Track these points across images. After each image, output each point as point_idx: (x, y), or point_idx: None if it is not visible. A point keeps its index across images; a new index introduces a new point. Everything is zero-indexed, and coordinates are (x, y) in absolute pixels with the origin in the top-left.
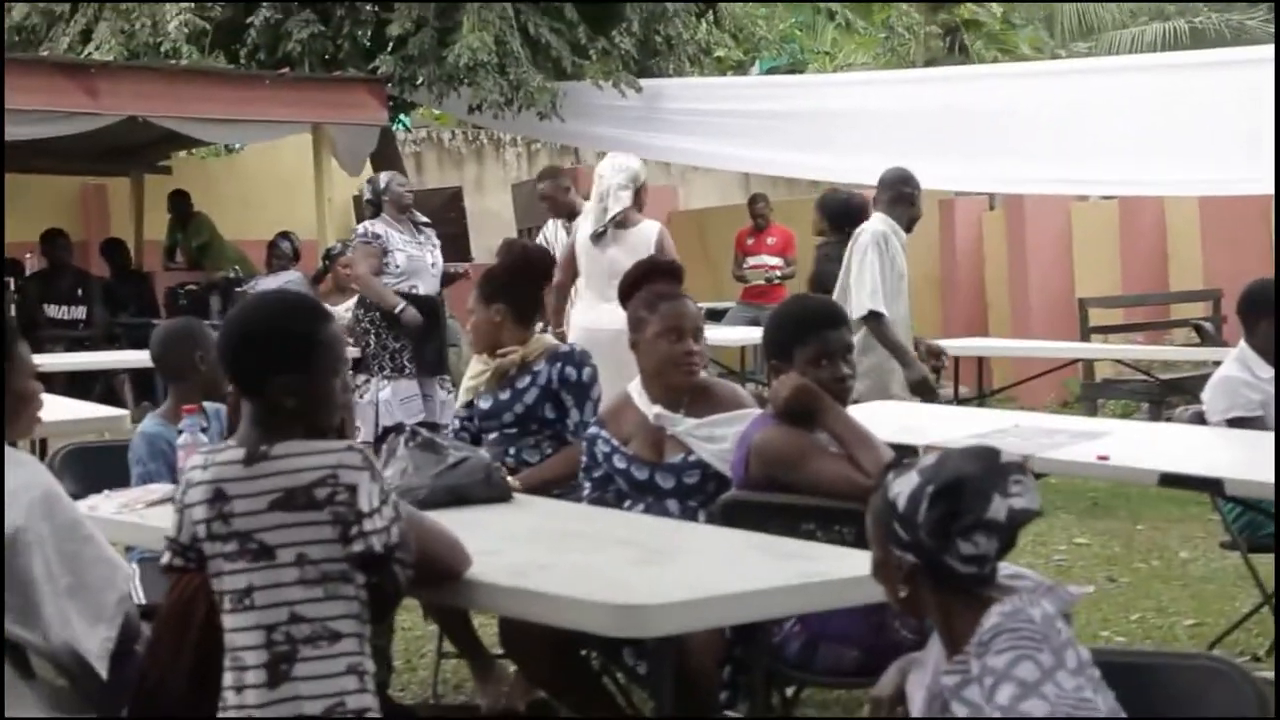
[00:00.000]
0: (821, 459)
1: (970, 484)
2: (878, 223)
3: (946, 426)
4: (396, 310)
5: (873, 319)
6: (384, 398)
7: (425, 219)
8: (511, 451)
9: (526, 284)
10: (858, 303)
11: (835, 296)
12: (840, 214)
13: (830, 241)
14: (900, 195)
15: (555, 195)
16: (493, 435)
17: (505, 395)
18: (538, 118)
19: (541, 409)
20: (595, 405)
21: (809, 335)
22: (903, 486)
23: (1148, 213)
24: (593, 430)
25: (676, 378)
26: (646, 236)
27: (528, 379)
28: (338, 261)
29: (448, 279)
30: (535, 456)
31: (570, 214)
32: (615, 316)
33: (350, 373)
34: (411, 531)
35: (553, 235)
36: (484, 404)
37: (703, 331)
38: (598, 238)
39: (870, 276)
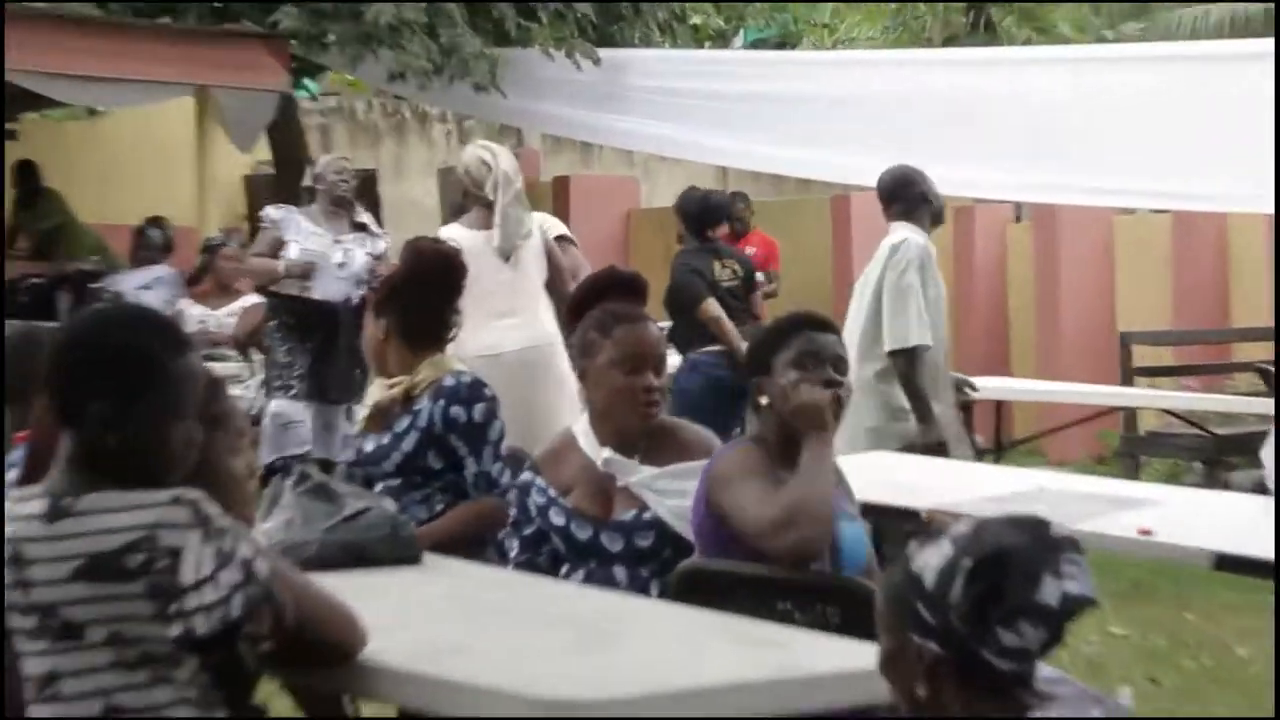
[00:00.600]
0: (752, 485)
1: (1017, 559)
2: (911, 233)
3: (954, 486)
4: (281, 270)
5: (905, 356)
6: (264, 422)
7: (369, 220)
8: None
9: (423, 295)
10: (896, 334)
11: (850, 330)
12: (698, 216)
13: (690, 249)
14: (916, 197)
15: None
16: (379, 486)
17: (385, 439)
18: (473, 90)
19: (424, 457)
20: (496, 449)
21: (790, 337)
22: (931, 558)
23: (1207, 231)
24: (526, 477)
25: (631, 417)
26: (540, 238)
27: (407, 420)
28: (219, 255)
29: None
30: (424, 513)
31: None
32: (522, 335)
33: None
34: (290, 597)
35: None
36: (368, 445)
37: (665, 361)
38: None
39: (915, 303)
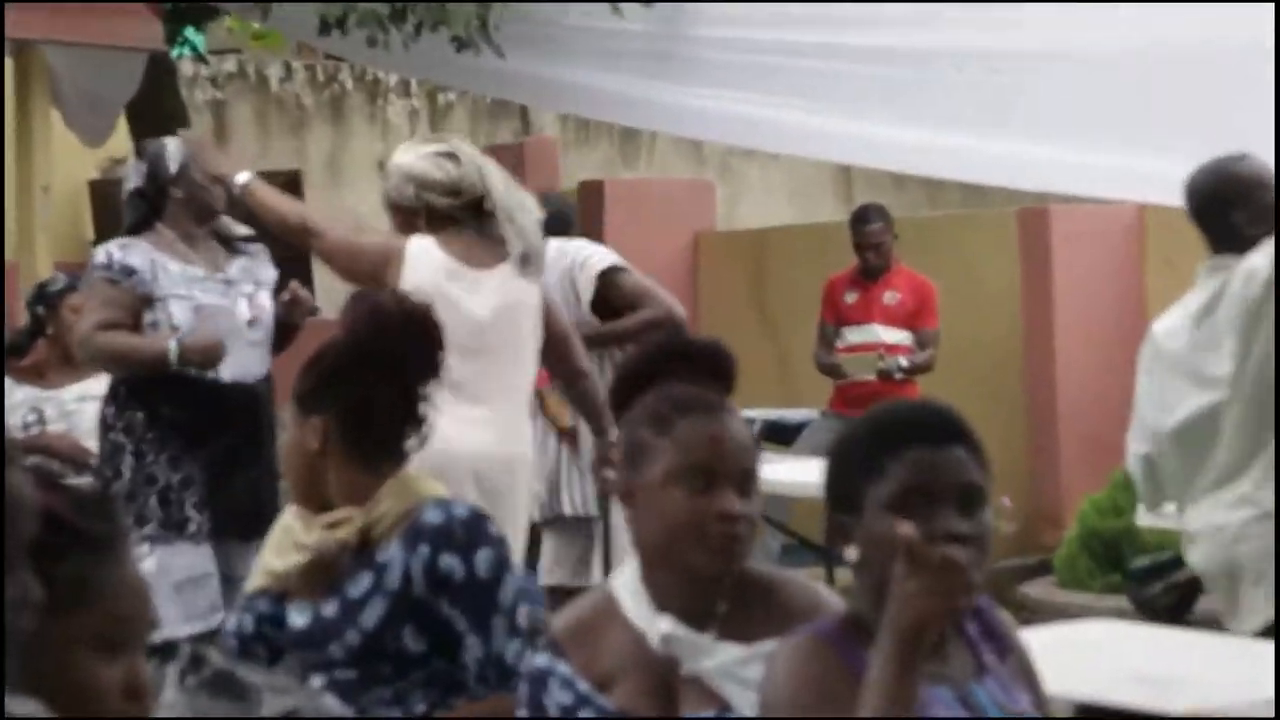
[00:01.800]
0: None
1: None
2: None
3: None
4: (172, 356)
5: None
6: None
7: (246, 233)
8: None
9: (381, 380)
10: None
11: (1148, 401)
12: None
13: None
14: (1263, 204)
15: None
16: (318, 680)
17: (331, 609)
18: (453, 47)
19: (397, 636)
20: (512, 620)
21: (890, 453)
22: None
23: None
24: (541, 663)
25: (703, 558)
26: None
27: (367, 580)
28: (64, 306)
29: (281, 338)
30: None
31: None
32: (489, 432)
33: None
34: None
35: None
36: (298, 619)
37: (755, 476)
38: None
39: None
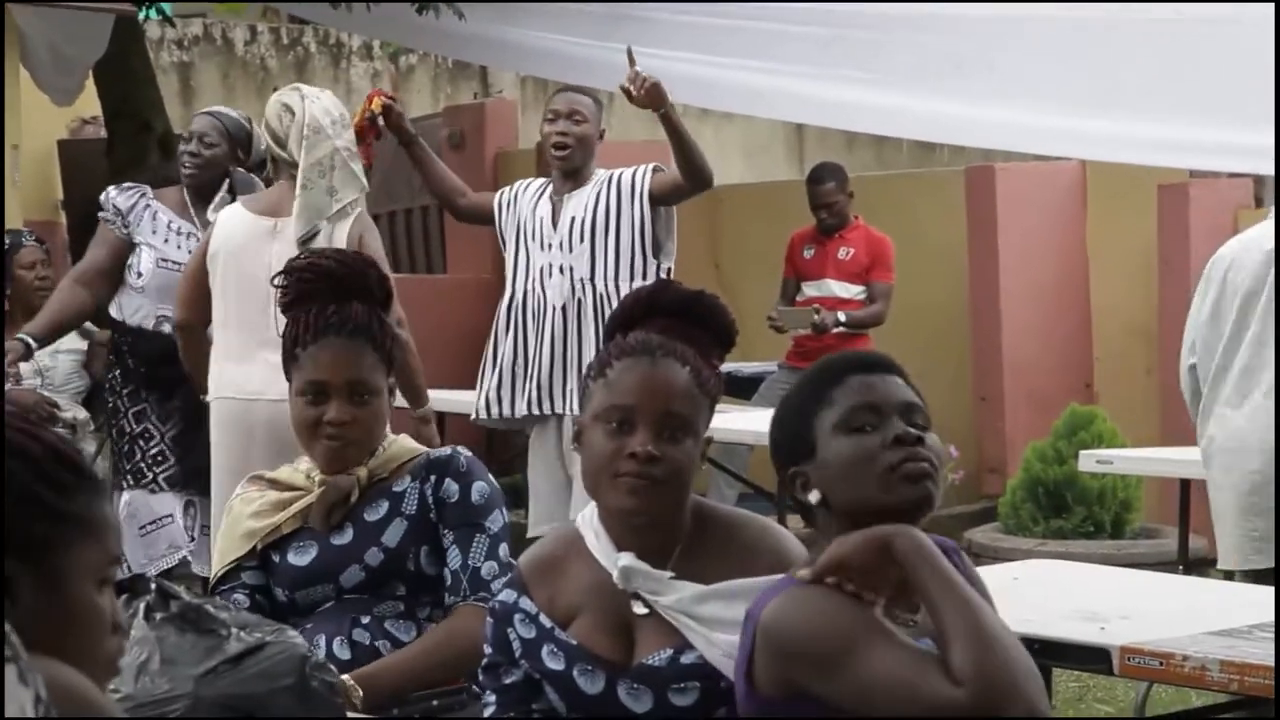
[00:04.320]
0: (875, 650)
1: None
2: None
3: (1162, 612)
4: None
5: None
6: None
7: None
8: (363, 626)
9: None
10: None
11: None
12: None
13: None
14: None
15: (590, 128)
16: (326, 605)
17: (344, 536)
18: (414, 9)
19: (415, 555)
20: (495, 548)
21: (832, 387)
22: None
23: None
24: (505, 597)
25: (614, 498)
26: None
27: (386, 505)
28: (14, 264)
29: None
30: (410, 634)
31: (579, 175)
32: (274, 380)
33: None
34: None
35: (528, 194)
36: (299, 558)
37: (689, 421)
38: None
39: None
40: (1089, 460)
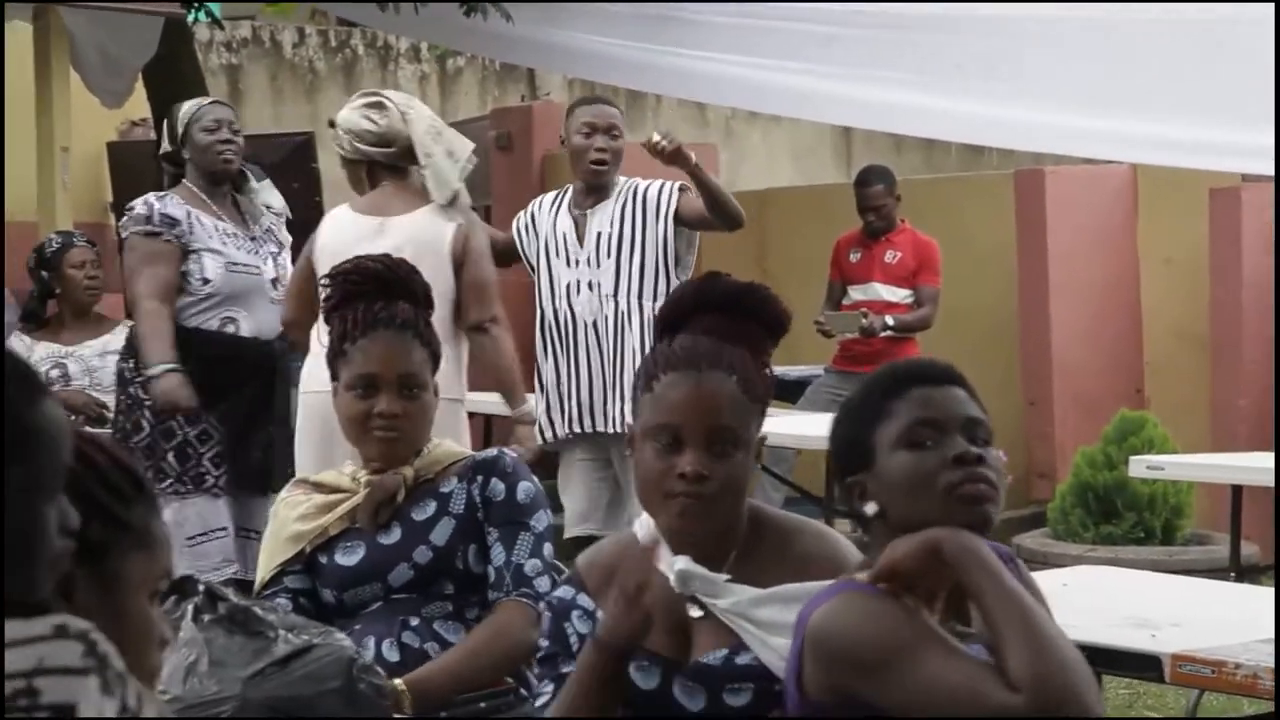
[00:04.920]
0: (929, 655)
1: None
2: None
3: (1215, 620)
4: (149, 372)
5: None
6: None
7: (275, 203)
8: (412, 628)
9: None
10: None
11: None
12: None
13: None
14: None
15: (623, 142)
16: (374, 606)
17: (392, 536)
18: (462, 12)
19: (464, 554)
20: (538, 546)
21: (893, 399)
22: None
23: None
24: (563, 594)
25: (664, 517)
26: (430, 230)
27: (433, 505)
28: (65, 265)
29: None
30: (459, 635)
31: (603, 188)
32: None
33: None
34: None
35: (546, 215)
36: (347, 558)
37: (734, 433)
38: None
39: None
40: (1140, 466)
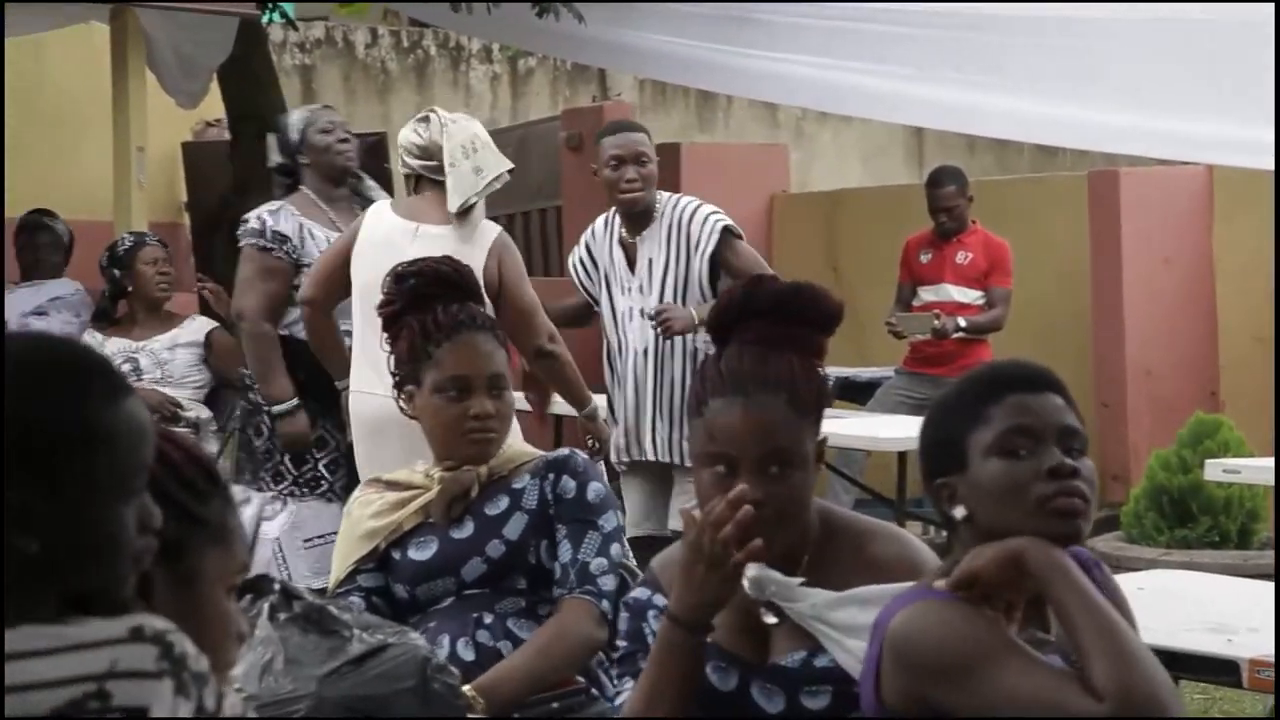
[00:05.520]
0: (1010, 664)
1: None
2: None
3: None
4: (275, 410)
5: None
6: (268, 533)
7: (375, 191)
8: (486, 626)
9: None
10: None
11: None
12: None
13: None
14: None
15: (654, 167)
16: (447, 601)
17: (465, 530)
18: (534, 12)
19: (535, 549)
20: (606, 546)
21: (989, 404)
22: None
23: None
24: (640, 594)
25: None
26: (476, 238)
27: (506, 500)
28: (138, 262)
29: None
30: (532, 631)
31: (646, 212)
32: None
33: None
34: None
35: (601, 245)
36: (420, 553)
37: (794, 451)
38: (463, 215)
39: None
40: (1215, 469)
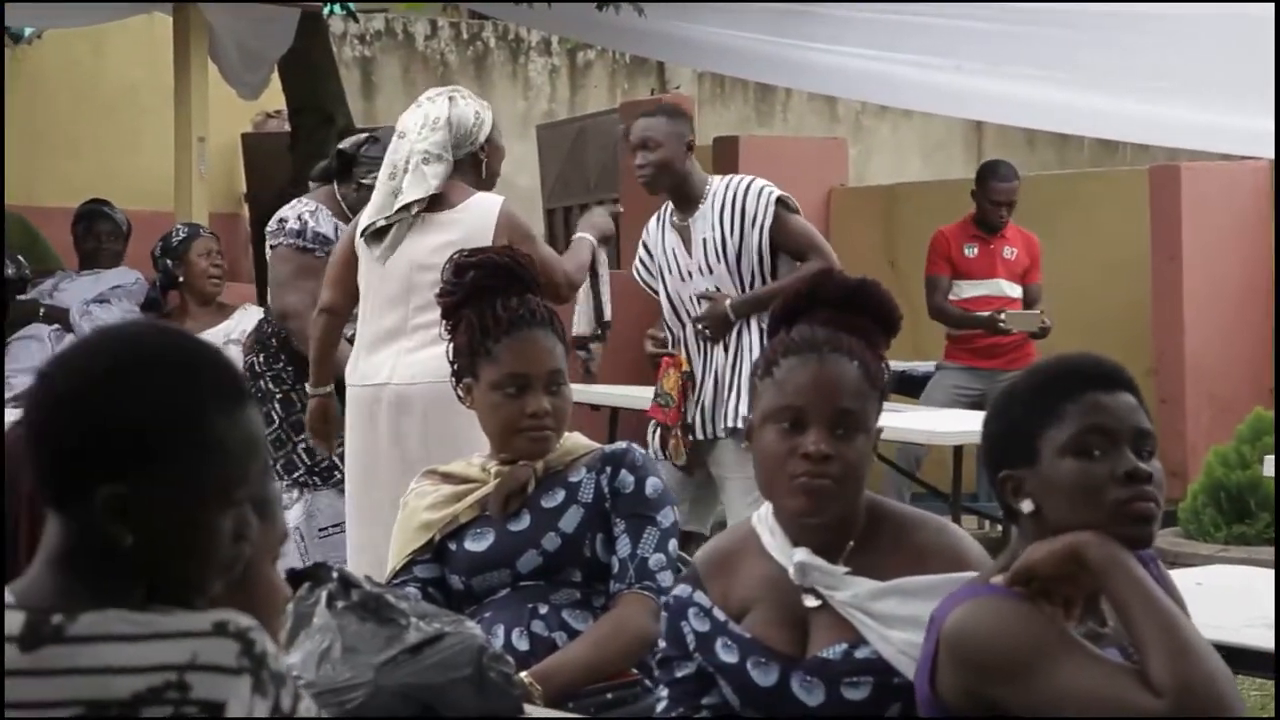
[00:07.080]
0: (1068, 661)
1: None
2: None
3: None
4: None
5: None
6: (290, 520)
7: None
8: (541, 617)
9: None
10: None
11: None
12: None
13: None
14: None
15: (666, 150)
16: (502, 593)
17: (521, 523)
18: (593, 5)
19: (591, 542)
20: (665, 542)
21: (1065, 401)
22: None
23: None
24: (680, 592)
25: (784, 498)
26: (477, 219)
27: (562, 493)
28: (190, 254)
29: None
30: (586, 623)
31: (688, 194)
32: (398, 367)
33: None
34: None
35: (655, 238)
36: (476, 544)
37: (862, 417)
38: (376, 237)
39: None
40: (1273, 465)
